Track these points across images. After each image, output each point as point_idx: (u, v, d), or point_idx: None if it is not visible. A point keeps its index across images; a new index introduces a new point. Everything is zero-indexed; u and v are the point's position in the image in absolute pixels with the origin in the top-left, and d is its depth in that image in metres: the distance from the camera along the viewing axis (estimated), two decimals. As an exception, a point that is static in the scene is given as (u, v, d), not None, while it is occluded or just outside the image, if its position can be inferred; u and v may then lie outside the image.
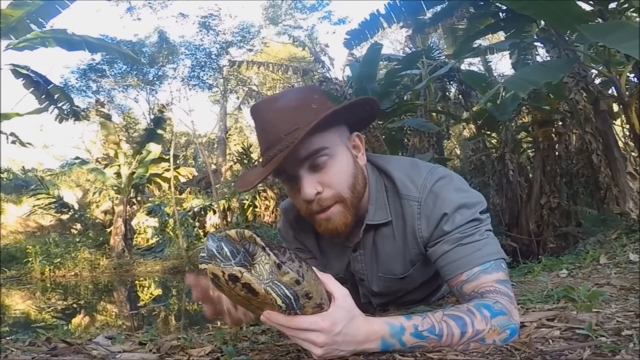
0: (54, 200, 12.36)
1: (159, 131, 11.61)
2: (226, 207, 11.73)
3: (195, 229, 11.68)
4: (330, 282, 0.83)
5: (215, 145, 18.75)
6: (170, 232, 11.79)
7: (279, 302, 0.73)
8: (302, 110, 0.97)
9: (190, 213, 12.14)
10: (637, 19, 4.17)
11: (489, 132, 6.43)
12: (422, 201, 1.03)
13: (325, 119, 0.93)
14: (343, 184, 1.00)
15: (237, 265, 0.72)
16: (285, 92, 1.10)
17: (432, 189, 1.02)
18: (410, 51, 7.96)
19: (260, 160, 1.04)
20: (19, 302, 7.72)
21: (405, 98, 7.18)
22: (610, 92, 4.78)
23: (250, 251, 0.75)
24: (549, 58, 4.96)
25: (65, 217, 12.96)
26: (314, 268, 0.82)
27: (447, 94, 7.42)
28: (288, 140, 0.94)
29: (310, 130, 0.91)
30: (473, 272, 0.96)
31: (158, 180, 12.36)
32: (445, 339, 0.84)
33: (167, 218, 12.23)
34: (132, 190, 11.64)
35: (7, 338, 1.22)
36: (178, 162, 13.91)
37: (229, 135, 18.68)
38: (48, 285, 9.54)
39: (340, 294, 0.82)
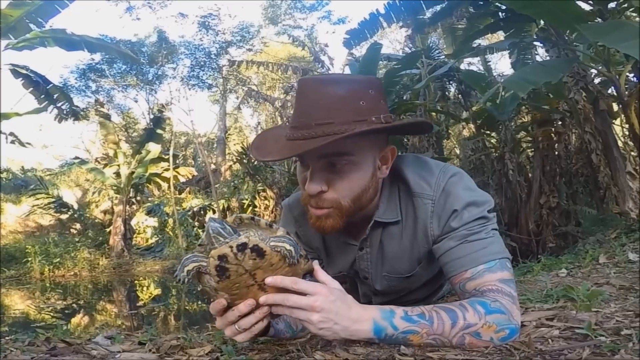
0: (54, 200, 12.34)
1: (159, 131, 11.58)
2: (226, 206, 11.74)
3: (195, 229, 11.68)
4: (322, 275, 0.90)
5: (215, 145, 18.73)
6: (170, 232, 11.79)
7: (288, 247, 0.80)
8: (346, 105, 0.93)
9: (189, 213, 12.15)
10: (637, 19, 4.17)
11: (488, 132, 6.42)
12: (436, 199, 1.02)
13: (359, 133, 0.90)
14: (349, 193, 0.98)
15: None
16: (342, 77, 1.07)
17: (445, 187, 1.02)
18: (409, 51, 7.95)
19: (288, 125, 1.01)
20: (18, 302, 7.71)
21: (404, 98, 7.16)
22: (609, 91, 4.77)
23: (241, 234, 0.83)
24: (548, 58, 4.96)
25: (64, 216, 12.94)
26: None
27: (446, 93, 7.41)
28: (316, 132, 0.91)
29: (339, 139, 0.88)
30: (477, 270, 0.95)
31: (157, 180, 12.34)
32: (436, 326, 0.85)
33: (166, 218, 12.24)
34: (131, 190, 11.62)
35: (7, 338, 1.22)
36: (177, 161, 13.89)
37: (229, 135, 18.66)
38: (47, 285, 9.53)
39: (331, 282, 0.89)
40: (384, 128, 0.95)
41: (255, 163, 9.62)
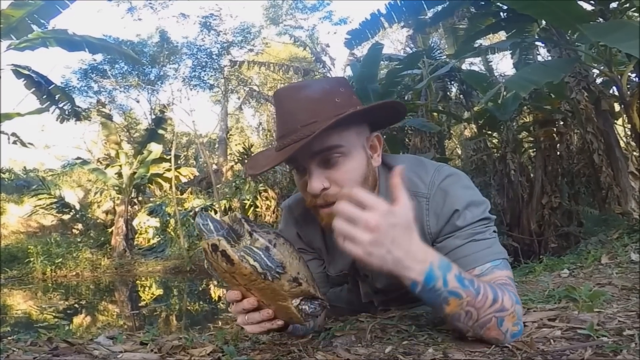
0: (56, 200, 12.38)
1: (160, 131, 11.60)
2: (227, 207, 11.74)
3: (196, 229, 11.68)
4: (399, 191, 0.80)
5: (217, 146, 18.76)
6: (172, 232, 11.80)
7: (252, 262, 0.77)
8: (323, 103, 0.97)
9: (191, 213, 12.14)
10: (638, 19, 4.17)
11: (490, 132, 6.42)
12: (431, 198, 1.04)
13: (344, 118, 0.92)
14: (351, 183, 0.99)
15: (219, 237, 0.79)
16: (311, 81, 1.11)
17: (440, 186, 1.04)
18: (411, 51, 7.95)
19: (275, 144, 1.04)
20: (20, 302, 7.73)
21: (406, 98, 7.16)
22: (611, 91, 4.76)
23: (239, 233, 0.83)
24: (550, 58, 4.95)
25: (66, 217, 12.98)
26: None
27: (448, 93, 7.41)
28: (304, 132, 0.94)
29: (326, 128, 0.90)
30: (485, 267, 0.97)
31: (159, 180, 12.37)
32: (480, 299, 0.85)
33: (168, 218, 12.24)
34: (133, 190, 11.65)
35: (9, 338, 1.22)
36: (179, 162, 13.92)
37: (230, 135, 18.67)
38: (49, 285, 9.56)
39: (402, 205, 0.79)
40: (360, 113, 0.98)
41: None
